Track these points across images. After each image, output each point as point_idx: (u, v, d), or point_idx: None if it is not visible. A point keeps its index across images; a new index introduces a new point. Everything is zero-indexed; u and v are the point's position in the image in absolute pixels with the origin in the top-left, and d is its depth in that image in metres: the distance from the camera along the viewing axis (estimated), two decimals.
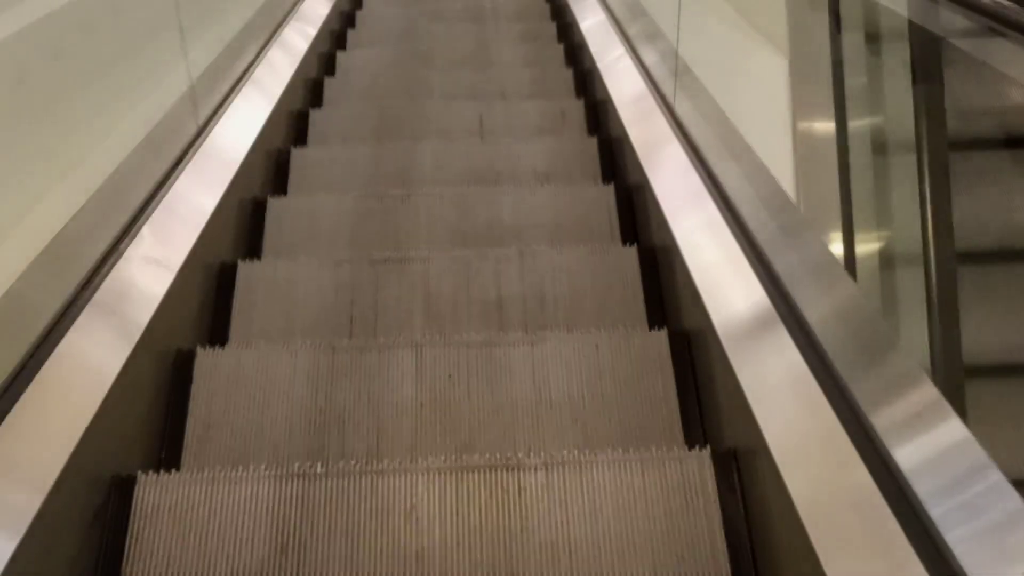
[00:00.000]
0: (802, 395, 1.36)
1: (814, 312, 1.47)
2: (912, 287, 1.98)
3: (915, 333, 1.83)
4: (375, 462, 1.64)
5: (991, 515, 1.00)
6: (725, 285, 1.81)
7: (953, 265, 1.95)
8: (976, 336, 1.83)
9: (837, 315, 1.51)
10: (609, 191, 2.65)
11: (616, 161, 2.93)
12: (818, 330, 1.42)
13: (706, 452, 1.60)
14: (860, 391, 1.26)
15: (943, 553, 0.98)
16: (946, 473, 1.09)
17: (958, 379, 1.90)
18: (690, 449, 1.63)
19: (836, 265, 1.75)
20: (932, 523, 1.01)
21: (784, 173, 2.07)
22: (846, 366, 1.31)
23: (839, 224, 2.16)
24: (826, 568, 1.11)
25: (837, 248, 2.13)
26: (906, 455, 1.11)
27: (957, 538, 0.98)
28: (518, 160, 3.00)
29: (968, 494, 1.05)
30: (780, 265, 1.63)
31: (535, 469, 1.59)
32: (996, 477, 1.01)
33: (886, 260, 2.24)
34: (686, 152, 2.28)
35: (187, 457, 1.80)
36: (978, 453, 1.05)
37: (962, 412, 1.13)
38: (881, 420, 1.19)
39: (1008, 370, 2.17)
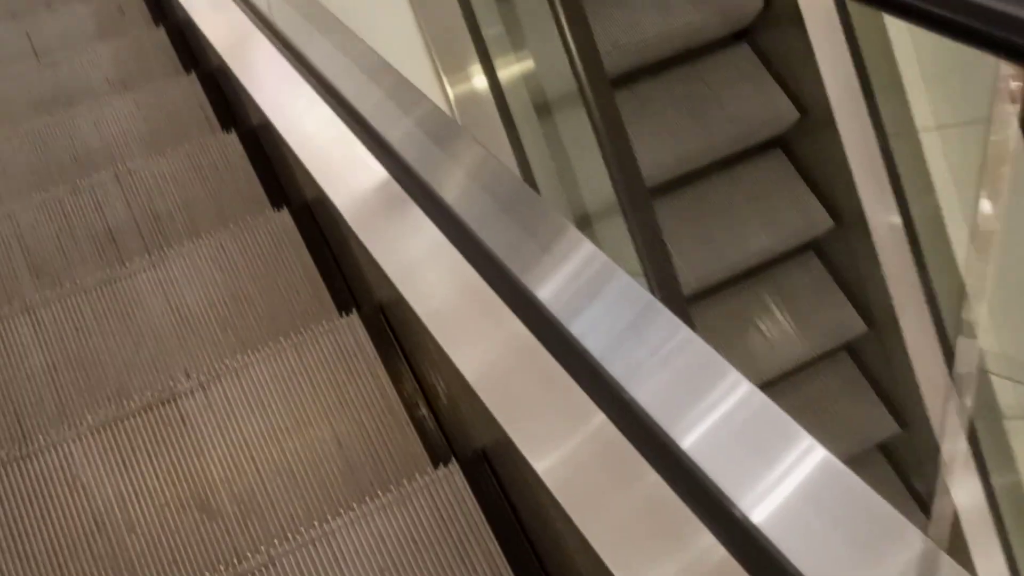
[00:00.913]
0: (422, 242, 1.40)
1: (428, 171, 1.48)
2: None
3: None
4: (22, 445, 1.50)
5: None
6: (329, 152, 1.80)
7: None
8: None
9: (459, 170, 1.52)
10: (193, 81, 2.49)
11: (192, 47, 2.74)
12: (436, 186, 1.44)
13: (356, 318, 1.62)
14: (490, 238, 1.30)
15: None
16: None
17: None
18: (341, 317, 1.65)
19: (451, 123, 1.75)
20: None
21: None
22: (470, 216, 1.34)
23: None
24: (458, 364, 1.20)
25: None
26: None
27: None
28: (87, 72, 2.73)
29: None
30: (387, 130, 1.62)
31: (192, 392, 1.53)
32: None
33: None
34: (257, 26, 2.18)
35: None
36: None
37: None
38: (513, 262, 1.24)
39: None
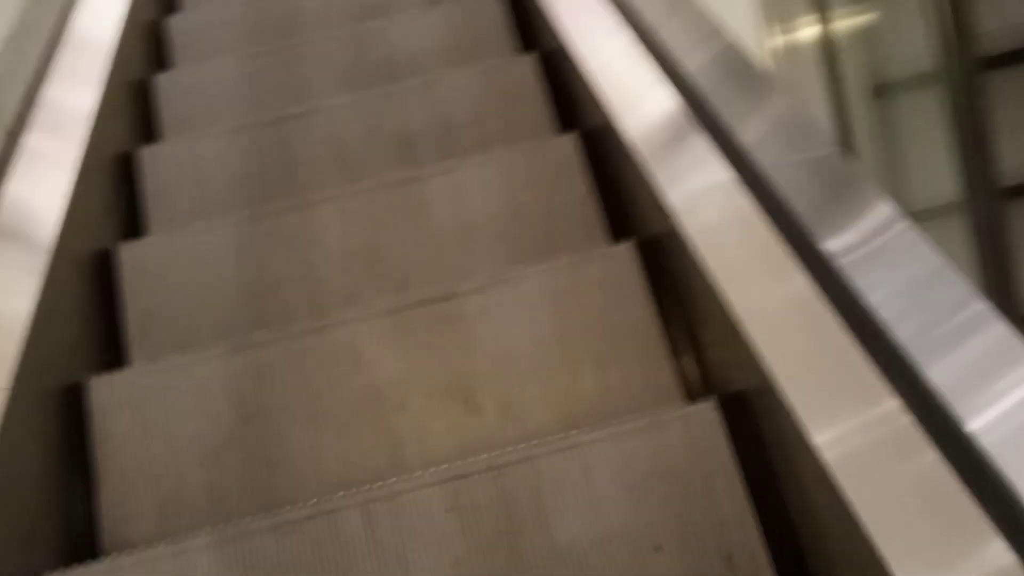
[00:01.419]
0: (712, 183, 1.39)
1: (730, 110, 1.46)
2: None
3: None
4: (316, 319, 1.67)
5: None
6: (626, 82, 1.81)
7: None
8: None
9: (756, 112, 1.48)
10: (500, 2, 2.58)
11: None
12: (734, 126, 1.42)
13: (630, 245, 1.65)
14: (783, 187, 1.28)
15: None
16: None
17: None
18: (615, 244, 1.68)
19: (759, 71, 1.70)
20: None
21: None
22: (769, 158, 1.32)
23: None
24: (744, 322, 1.19)
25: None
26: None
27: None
28: None
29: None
30: (690, 64, 1.61)
31: (470, 294, 1.63)
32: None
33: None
34: None
35: (133, 352, 1.81)
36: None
37: None
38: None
39: None
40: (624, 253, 1.64)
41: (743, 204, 1.29)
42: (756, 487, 1.25)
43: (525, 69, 2.26)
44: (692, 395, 1.48)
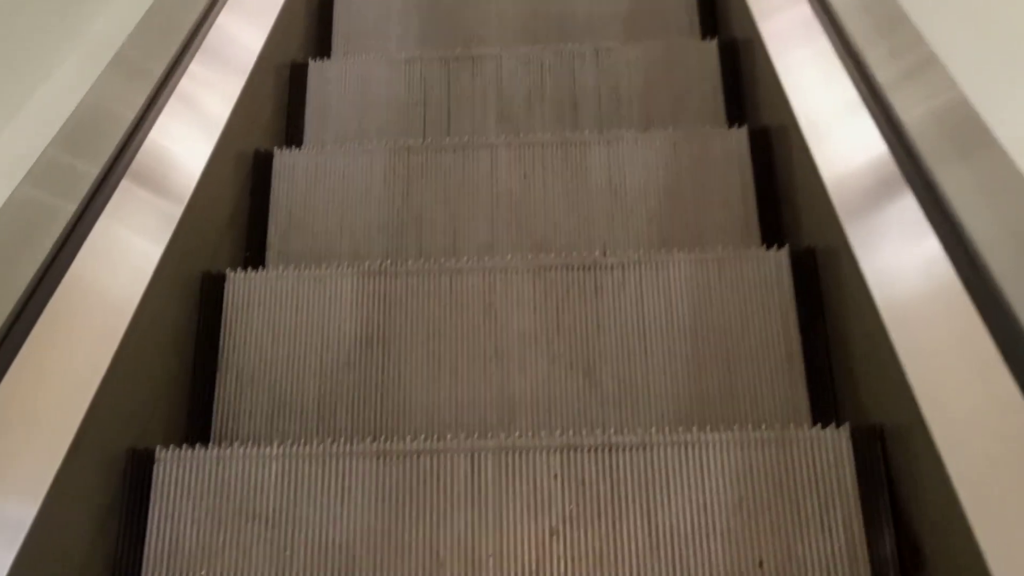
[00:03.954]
0: (892, 200, 1.32)
1: (913, 116, 1.37)
2: None
3: None
4: (453, 260, 1.67)
5: None
6: (813, 83, 1.73)
7: None
8: None
9: (939, 120, 1.39)
10: None
11: None
12: (915, 134, 1.33)
13: (784, 252, 1.59)
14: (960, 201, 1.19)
15: None
16: None
17: None
18: (767, 249, 1.62)
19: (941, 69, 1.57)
20: None
21: None
22: (940, 166, 1.24)
23: None
24: (900, 353, 1.12)
25: None
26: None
27: None
28: None
29: None
30: (877, 65, 1.52)
31: (611, 268, 1.60)
32: None
33: None
34: None
35: (271, 256, 1.85)
36: None
37: None
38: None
39: None
40: (780, 257, 1.58)
41: (926, 231, 1.21)
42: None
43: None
44: (823, 418, 1.42)
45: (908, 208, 1.22)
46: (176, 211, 1.50)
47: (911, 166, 1.25)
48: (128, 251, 1.38)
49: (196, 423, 1.50)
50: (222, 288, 1.62)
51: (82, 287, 1.23)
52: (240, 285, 1.63)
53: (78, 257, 1.24)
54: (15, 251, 1.20)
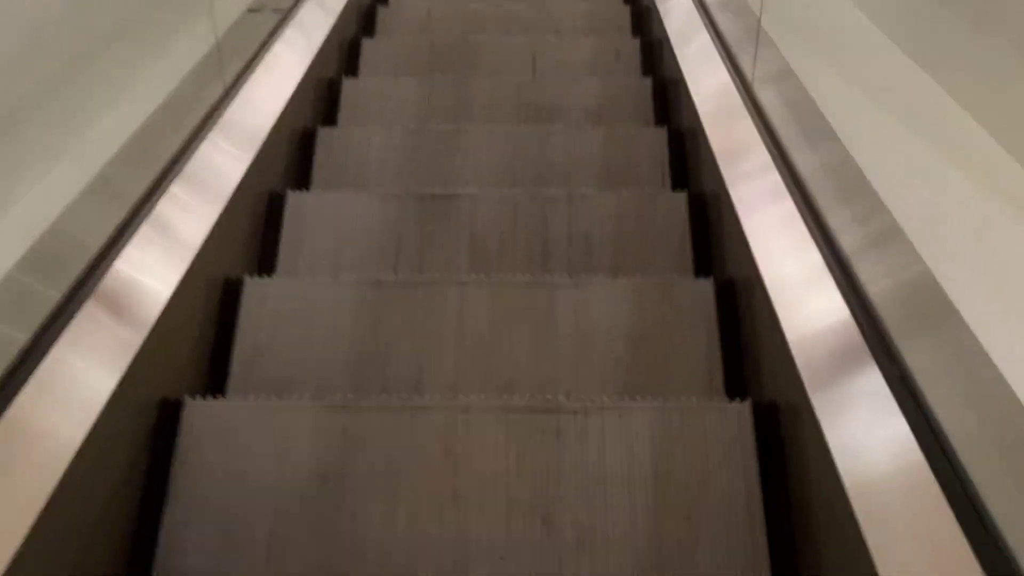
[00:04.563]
0: (850, 363, 1.34)
1: (872, 282, 1.40)
2: None
3: None
4: (416, 398, 1.66)
5: None
6: (776, 239, 1.78)
7: None
8: None
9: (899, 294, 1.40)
10: (662, 134, 2.61)
11: (670, 103, 2.88)
12: (875, 299, 1.36)
13: (746, 405, 1.60)
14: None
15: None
16: None
17: None
18: (731, 401, 1.63)
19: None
20: None
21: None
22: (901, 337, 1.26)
23: None
24: (862, 526, 1.11)
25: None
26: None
27: None
28: (570, 98, 2.96)
29: None
30: (838, 224, 1.57)
31: (574, 413, 1.59)
32: None
33: None
34: (742, 99, 2.23)
35: (233, 384, 1.83)
36: None
37: None
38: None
39: None
40: (743, 411, 1.59)
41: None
42: None
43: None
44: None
45: (871, 378, 1.24)
46: (138, 337, 1.49)
47: (873, 335, 1.28)
48: (84, 376, 1.36)
49: (136, 558, 1.45)
50: (178, 414, 1.59)
51: (25, 416, 1.21)
52: (198, 413, 1.61)
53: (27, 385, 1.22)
54: None
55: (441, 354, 1.86)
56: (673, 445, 1.57)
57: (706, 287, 1.94)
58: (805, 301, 1.54)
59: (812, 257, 1.54)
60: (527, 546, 1.48)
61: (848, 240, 1.49)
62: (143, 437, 1.54)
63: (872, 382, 1.24)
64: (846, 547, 1.17)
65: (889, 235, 1.35)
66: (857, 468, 1.20)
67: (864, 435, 1.22)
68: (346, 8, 3.42)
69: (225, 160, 2.12)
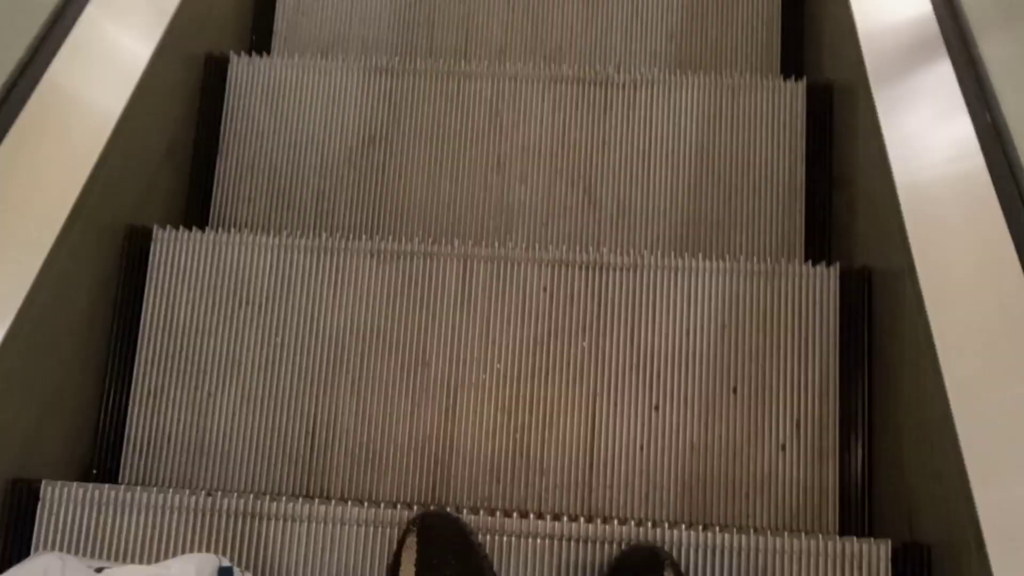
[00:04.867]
0: (916, 29, 1.27)
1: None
2: None
3: None
4: (463, 63, 1.63)
5: None
6: None
7: None
8: None
9: None
10: None
11: None
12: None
13: (801, 85, 1.55)
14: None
15: None
16: None
17: None
18: (785, 80, 1.58)
19: None
20: None
21: None
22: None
23: None
24: (901, 198, 1.11)
25: None
26: None
27: None
28: None
29: None
30: None
31: (623, 86, 1.56)
32: None
33: None
34: None
35: (277, 43, 1.80)
36: None
37: None
38: None
39: None
40: (797, 89, 1.54)
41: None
42: None
43: None
44: (817, 256, 1.43)
45: (931, 39, 1.18)
46: None
47: (950, 21, 1.19)
48: (129, 28, 1.34)
49: (195, 207, 1.51)
50: (225, 71, 1.58)
51: (82, 55, 1.20)
52: (244, 69, 1.60)
53: (79, 22, 1.21)
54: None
55: (488, 19, 1.80)
56: (722, 122, 1.55)
57: None
58: None
59: None
60: (569, 213, 1.51)
61: None
62: (194, 90, 1.55)
63: (935, 53, 1.18)
64: (882, 222, 1.19)
65: None
66: (910, 163, 1.18)
67: (919, 114, 1.19)
68: None
69: None
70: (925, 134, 1.18)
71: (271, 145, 1.56)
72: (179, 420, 1.26)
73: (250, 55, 1.62)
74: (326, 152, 1.56)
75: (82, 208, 1.13)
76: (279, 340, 1.28)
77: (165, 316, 1.29)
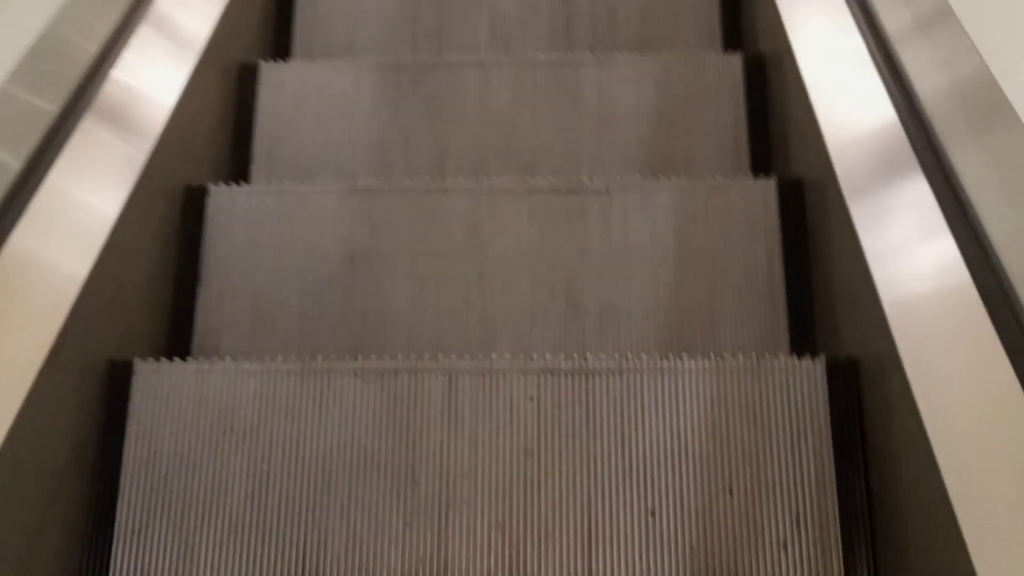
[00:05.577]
0: (884, 138, 1.30)
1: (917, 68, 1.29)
2: None
3: None
4: (439, 180, 1.65)
5: None
6: (811, 7, 1.70)
7: None
8: None
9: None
10: None
11: None
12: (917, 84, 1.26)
13: (771, 182, 1.58)
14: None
15: None
16: None
17: None
18: (755, 178, 1.61)
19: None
20: None
21: None
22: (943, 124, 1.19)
23: None
24: (880, 292, 1.12)
25: None
26: None
27: None
28: None
29: None
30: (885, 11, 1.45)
31: (598, 192, 1.59)
32: None
33: None
34: None
35: (256, 172, 1.83)
36: None
37: None
38: None
39: None
40: (767, 187, 1.57)
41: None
42: None
43: None
44: (801, 350, 1.43)
45: (897, 143, 1.21)
46: (159, 121, 1.48)
47: (908, 113, 1.22)
48: (108, 161, 1.36)
49: (176, 338, 1.51)
50: (203, 202, 1.60)
51: (61, 194, 1.22)
52: (223, 199, 1.62)
53: (58, 161, 1.22)
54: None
55: (462, 136, 1.84)
56: (697, 223, 1.57)
57: (735, 62, 1.87)
58: (839, 75, 1.49)
59: (851, 39, 1.46)
60: (552, 322, 1.51)
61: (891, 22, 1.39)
62: (172, 223, 1.56)
63: (902, 155, 1.21)
64: (864, 314, 1.19)
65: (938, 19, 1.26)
66: (881, 246, 1.19)
67: (886, 203, 1.21)
68: None
69: None
70: (895, 219, 1.19)
71: (251, 270, 1.57)
72: (165, 556, 1.22)
73: (228, 184, 1.64)
74: (306, 274, 1.56)
75: (59, 353, 1.12)
76: (265, 468, 1.25)
77: (148, 449, 1.27)
